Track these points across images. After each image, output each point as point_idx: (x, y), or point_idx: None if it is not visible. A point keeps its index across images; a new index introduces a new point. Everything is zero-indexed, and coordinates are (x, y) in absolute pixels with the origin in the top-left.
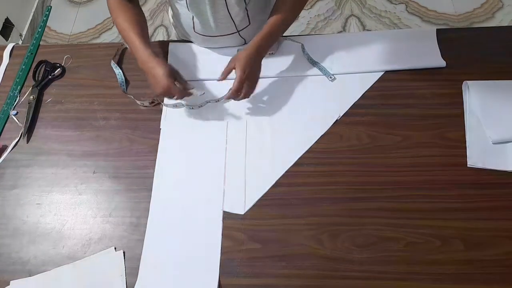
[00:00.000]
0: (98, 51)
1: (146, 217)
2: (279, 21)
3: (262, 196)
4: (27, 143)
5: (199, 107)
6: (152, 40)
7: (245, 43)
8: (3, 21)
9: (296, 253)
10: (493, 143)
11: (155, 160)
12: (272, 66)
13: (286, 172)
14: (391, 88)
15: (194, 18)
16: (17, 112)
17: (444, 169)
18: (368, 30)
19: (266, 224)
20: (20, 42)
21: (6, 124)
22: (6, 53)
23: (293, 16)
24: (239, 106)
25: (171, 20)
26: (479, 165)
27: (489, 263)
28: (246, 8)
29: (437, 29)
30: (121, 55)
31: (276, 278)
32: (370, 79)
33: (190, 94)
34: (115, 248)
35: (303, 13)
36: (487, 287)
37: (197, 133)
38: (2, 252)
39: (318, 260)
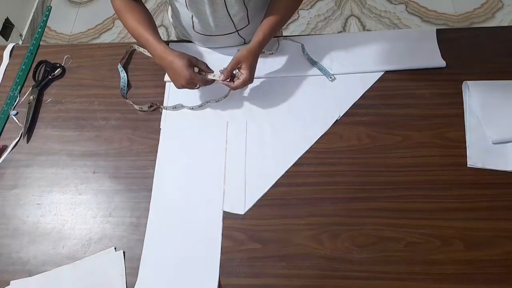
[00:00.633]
0: (98, 51)
1: (146, 217)
2: (278, 17)
3: (262, 196)
4: (27, 143)
5: (199, 107)
6: None
7: (245, 42)
8: (3, 21)
9: (296, 253)
10: (493, 143)
11: (155, 160)
12: (272, 66)
13: (286, 172)
14: (391, 88)
15: (194, 18)
16: (17, 112)
17: (444, 169)
18: (368, 30)
19: (266, 224)
20: (20, 42)
21: (6, 124)
22: (6, 53)
23: (292, 11)
24: (239, 106)
25: (171, 20)
26: (479, 165)
27: (489, 263)
28: (245, 7)
29: (437, 29)
30: (129, 57)
31: (276, 278)
32: (370, 79)
33: (212, 80)
34: (115, 248)
35: (303, 13)
36: (487, 287)
37: (197, 133)
38: (2, 252)
39: (318, 260)
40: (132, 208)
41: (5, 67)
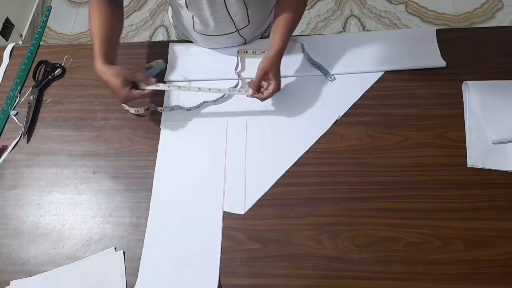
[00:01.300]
0: None
1: (146, 217)
2: (290, 20)
3: (262, 196)
4: (27, 143)
5: (196, 107)
6: (152, 40)
7: (245, 42)
8: (3, 21)
9: (296, 253)
10: (493, 143)
11: (155, 160)
12: None
13: (286, 172)
14: (391, 88)
15: (194, 18)
16: (17, 112)
17: (444, 169)
18: (368, 30)
19: (266, 224)
20: (20, 42)
21: (6, 124)
22: (6, 53)
23: (301, 10)
24: (239, 106)
25: (171, 20)
26: (479, 165)
27: (489, 263)
28: (245, 6)
29: (437, 29)
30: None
31: (276, 278)
32: (370, 79)
33: (150, 92)
34: (115, 248)
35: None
36: (487, 287)
37: (197, 133)
38: (2, 252)
39: (318, 260)
40: (132, 208)
41: (5, 67)
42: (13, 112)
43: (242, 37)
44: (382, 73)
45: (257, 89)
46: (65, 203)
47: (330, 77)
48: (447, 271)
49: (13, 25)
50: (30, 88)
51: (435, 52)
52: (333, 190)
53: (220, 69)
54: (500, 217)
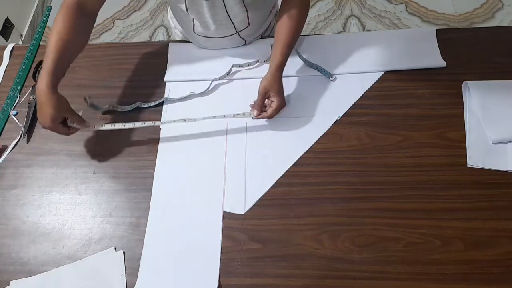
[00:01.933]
0: (98, 51)
1: (146, 217)
2: (290, 32)
3: (262, 196)
4: (27, 143)
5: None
6: (152, 40)
7: (245, 43)
8: (3, 21)
9: (296, 253)
10: (493, 143)
11: (155, 160)
12: None
13: (286, 172)
14: (391, 88)
15: (194, 20)
16: (17, 112)
17: (444, 169)
18: (368, 30)
19: (266, 224)
20: (20, 42)
21: (6, 124)
22: (6, 53)
23: (302, 21)
24: (239, 106)
25: (171, 22)
26: (479, 165)
27: (489, 263)
28: (245, 8)
29: (437, 29)
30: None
31: (276, 278)
32: (370, 79)
33: (74, 131)
34: (115, 248)
35: None
36: (487, 287)
37: (197, 133)
38: (2, 252)
39: (318, 260)
40: (132, 208)
41: (5, 67)
42: (13, 112)
43: (242, 38)
44: (382, 73)
45: (261, 110)
46: (65, 203)
47: (330, 77)
48: (447, 271)
49: (13, 25)
50: (30, 88)
51: (435, 52)
52: (333, 190)
53: (220, 69)
54: (500, 217)
